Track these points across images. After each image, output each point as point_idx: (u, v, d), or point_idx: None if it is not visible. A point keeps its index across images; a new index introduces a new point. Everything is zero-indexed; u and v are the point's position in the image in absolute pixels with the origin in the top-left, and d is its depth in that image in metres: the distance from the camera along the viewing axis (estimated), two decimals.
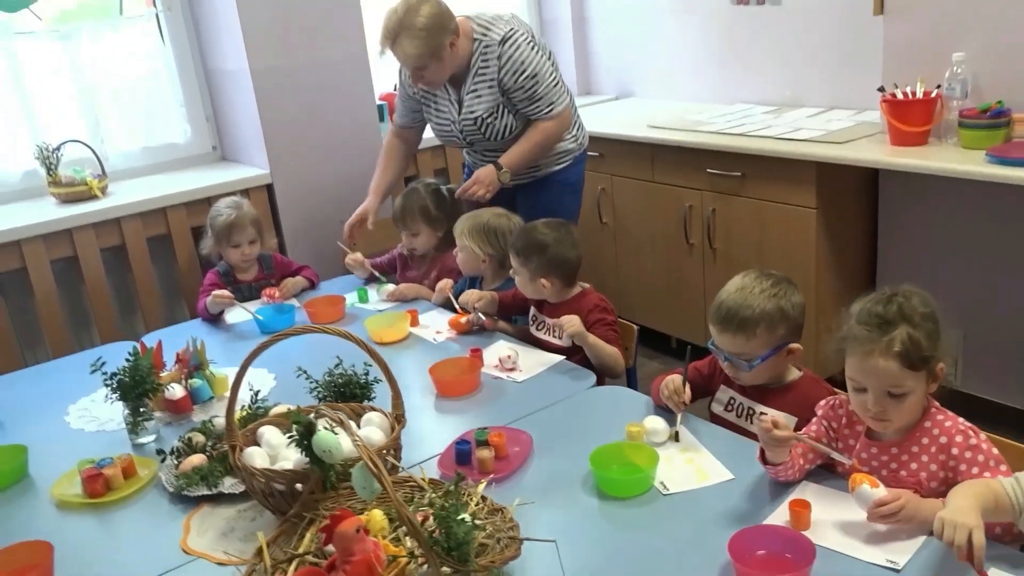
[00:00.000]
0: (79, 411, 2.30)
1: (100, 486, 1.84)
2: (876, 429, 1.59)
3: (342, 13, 3.45)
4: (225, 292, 2.81)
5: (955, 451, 1.52)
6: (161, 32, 3.51)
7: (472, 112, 2.83)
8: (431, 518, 1.31)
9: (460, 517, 1.31)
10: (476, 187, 2.80)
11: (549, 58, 2.84)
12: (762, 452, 1.61)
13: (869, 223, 3.12)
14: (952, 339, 2.96)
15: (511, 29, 2.76)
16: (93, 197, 3.22)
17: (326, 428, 1.51)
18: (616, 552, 1.53)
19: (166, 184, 3.37)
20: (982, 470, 1.48)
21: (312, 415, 1.48)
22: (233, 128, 3.61)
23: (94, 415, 2.25)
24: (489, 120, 2.82)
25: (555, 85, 2.82)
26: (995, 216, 2.79)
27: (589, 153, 3.13)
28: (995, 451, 1.52)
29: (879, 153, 2.73)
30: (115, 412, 2.13)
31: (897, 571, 1.38)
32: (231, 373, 1.81)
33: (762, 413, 1.80)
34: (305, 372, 1.96)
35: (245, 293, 2.96)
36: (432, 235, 2.99)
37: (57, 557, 1.59)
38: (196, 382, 2.22)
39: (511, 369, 2.26)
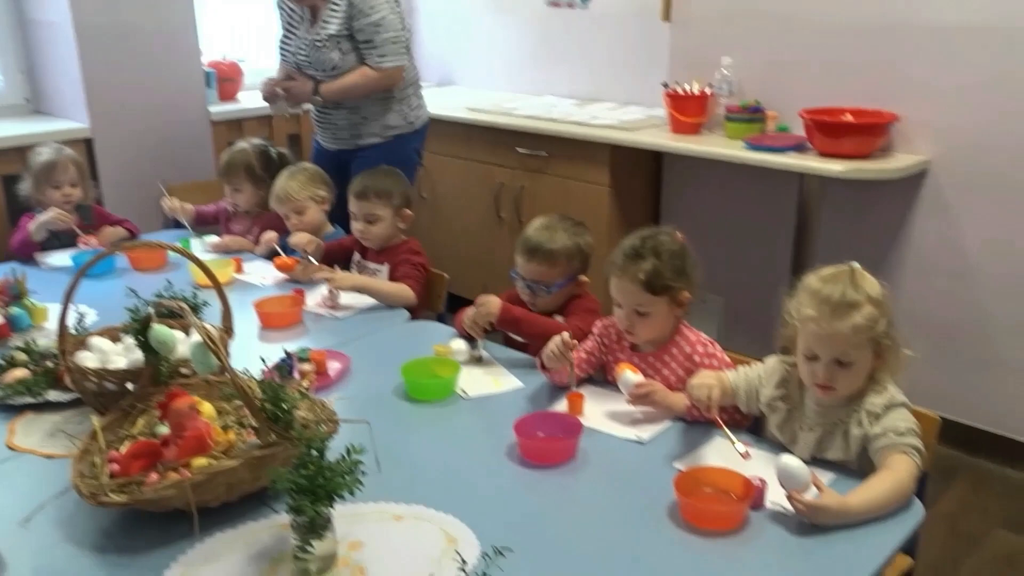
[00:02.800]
0: None
1: None
2: (630, 340, 1.94)
3: None
4: (60, 210, 2.84)
5: (696, 358, 1.89)
6: None
7: (317, 35, 3.04)
8: (256, 388, 1.49)
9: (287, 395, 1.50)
10: (291, 87, 3.10)
11: (401, 22, 3.09)
12: (541, 360, 1.91)
13: (653, 200, 3.58)
14: (716, 304, 3.46)
15: None
16: None
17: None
18: (423, 441, 1.79)
19: None
20: (716, 371, 1.86)
21: (149, 308, 1.62)
22: (51, 81, 3.56)
23: None
24: (325, 46, 3.03)
25: (394, 43, 3.05)
26: (752, 197, 3.31)
27: None
28: (727, 358, 1.91)
29: (661, 139, 3.17)
30: None
31: (642, 443, 1.72)
32: (52, 308, 1.87)
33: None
34: (135, 292, 2.06)
35: (64, 242, 2.96)
36: (255, 193, 3.12)
37: None
38: (15, 310, 2.26)
39: (333, 307, 2.45)
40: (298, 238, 2.72)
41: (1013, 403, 2.85)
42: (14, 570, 1.38)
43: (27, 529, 1.46)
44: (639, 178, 3.49)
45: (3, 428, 1.80)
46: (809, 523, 1.42)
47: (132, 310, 1.68)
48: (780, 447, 1.68)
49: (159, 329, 1.59)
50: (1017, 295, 2.77)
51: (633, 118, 3.47)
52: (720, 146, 3.00)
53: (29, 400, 1.87)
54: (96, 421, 1.60)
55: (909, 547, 1.88)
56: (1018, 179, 2.71)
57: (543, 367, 1.92)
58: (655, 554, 1.39)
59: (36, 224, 2.83)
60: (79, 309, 2.22)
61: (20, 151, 3.16)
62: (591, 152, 3.32)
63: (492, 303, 2.11)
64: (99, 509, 1.46)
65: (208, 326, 1.85)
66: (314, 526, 1.30)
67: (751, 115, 3.04)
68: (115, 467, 1.48)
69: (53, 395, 1.89)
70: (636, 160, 3.40)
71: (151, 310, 1.60)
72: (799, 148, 2.88)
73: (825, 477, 1.51)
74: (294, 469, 1.30)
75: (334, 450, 1.35)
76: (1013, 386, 2.84)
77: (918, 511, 1.49)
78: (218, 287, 1.84)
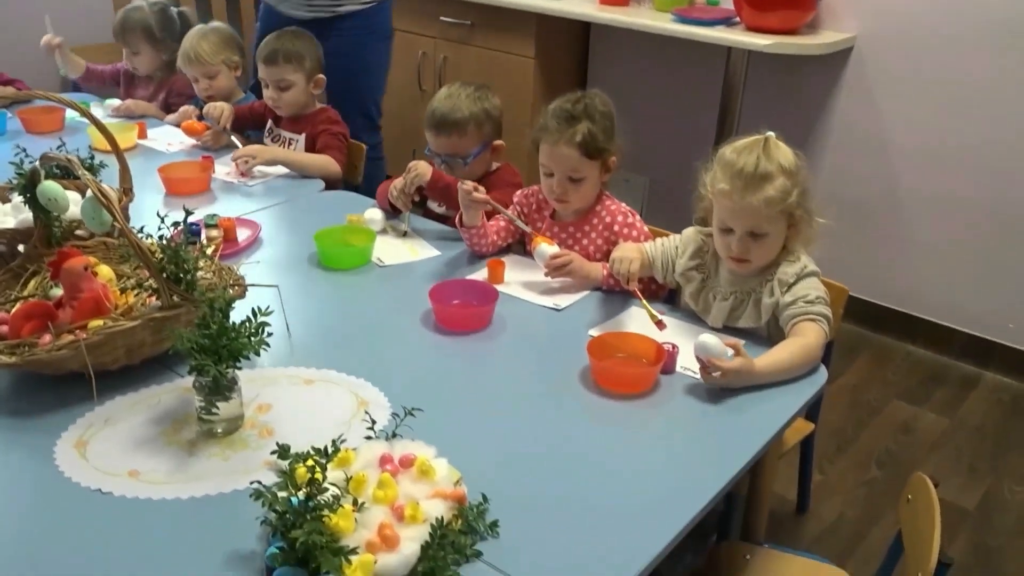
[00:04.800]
0: None
1: None
2: (558, 210, 1.91)
3: None
4: None
5: (616, 228, 1.87)
6: None
7: None
8: (160, 253, 1.41)
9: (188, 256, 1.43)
10: None
11: None
12: (460, 217, 1.87)
13: (579, 74, 3.49)
14: (640, 183, 3.45)
15: None
16: None
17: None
18: (337, 308, 1.75)
19: None
20: (636, 241, 1.85)
21: (37, 164, 1.51)
22: None
23: None
24: None
25: None
26: (679, 73, 3.26)
27: None
28: (646, 229, 1.90)
29: (588, 8, 3.06)
30: None
31: (559, 310, 1.72)
32: None
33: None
34: (24, 150, 1.92)
35: None
36: (155, 56, 2.91)
37: None
38: None
39: (244, 175, 2.35)
40: (211, 108, 2.56)
41: (919, 281, 2.96)
42: None
43: None
44: (566, 50, 3.39)
45: None
46: (718, 388, 1.44)
47: (17, 164, 1.56)
48: (694, 316, 1.70)
49: (48, 185, 1.49)
50: (932, 175, 2.83)
51: None
52: (648, 18, 2.91)
53: None
54: None
55: (812, 415, 1.97)
56: (942, 59, 2.72)
57: (462, 224, 1.88)
58: (566, 416, 1.39)
59: None
60: None
61: None
62: (517, 22, 3.19)
63: (423, 166, 2.03)
64: None
65: (104, 187, 1.75)
66: (218, 387, 1.26)
67: None
68: (4, 328, 1.40)
69: None
70: (563, 31, 3.29)
71: (37, 165, 1.48)
72: (727, 22, 2.82)
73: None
74: (196, 329, 1.25)
75: (242, 315, 1.30)
76: (920, 265, 2.94)
77: (822, 376, 1.53)
78: (114, 144, 1.73)
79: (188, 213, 1.42)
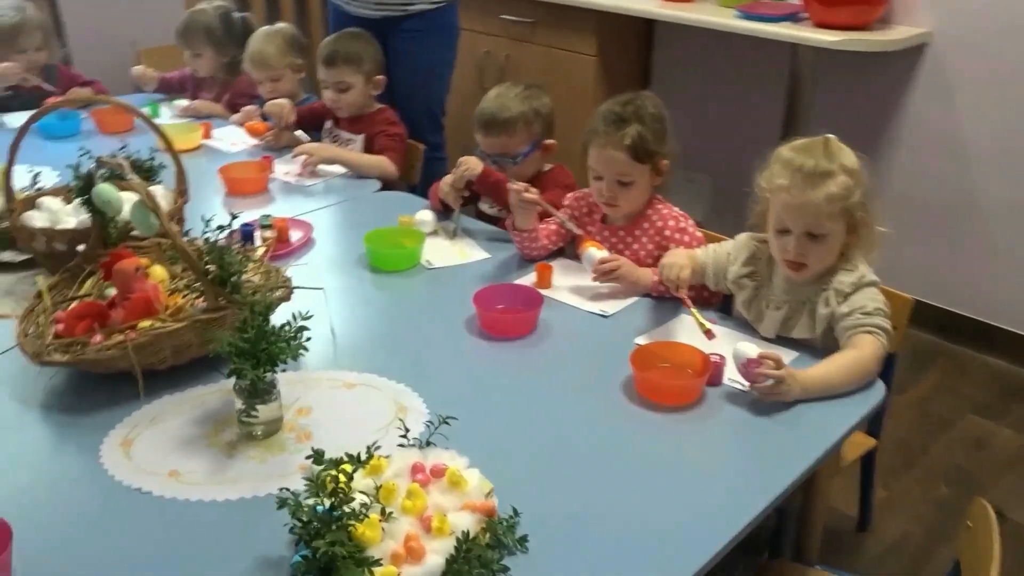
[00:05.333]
0: None
1: None
2: (608, 213, 1.87)
3: None
4: (11, 64, 2.72)
5: (667, 232, 1.83)
6: None
7: None
8: (205, 254, 1.44)
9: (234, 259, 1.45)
10: None
11: None
12: (512, 220, 1.85)
13: (642, 72, 3.42)
14: (704, 184, 3.37)
15: None
16: None
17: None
18: (383, 311, 1.75)
19: None
20: (688, 247, 1.80)
21: (92, 167, 1.55)
22: None
23: None
24: None
25: None
26: (743, 70, 3.16)
27: None
28: (699, 234, 1.85)
29: (651, 5, 3.00)
30: None
31: (606, 316, 1.68)
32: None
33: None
34: (88, 152, 1.98)
35: (28, 103, 2.84)
36: (215, 58, 2.97)
37: None
38: None
39: (301, 175, 2.38)
40: (272, 107, 2.60)
41: (996, 288, 2.81)
42: None
43: None
44: (628, 48, 3.33)
45: None
46: (766, 400, 1.39)
47: (75, 167, 1.61)
48: (746, 325, 1.65)
49: (103, 188, 1.52)
50: (1010, 177, 2.69)
51: None
52: (711, 14, 2.84)
53: None
54: (42, 281, 1.55)
55: (874, 430, 1.88)
56: (1021, 57, 2.58)
57: (513, 227, 1.86)
58: (607, 427, 1.36)
59: None
60: (36, 170, 2.14)
61: None
62: (579, 19, 3.15)
63: (473, 161, 2.03)
64: (48, 369, 1.43)
65: (160, 187, 1.80)
66: (257, 390, 1.27)
67: None
68: (59, 327, 1.44)
69: (7, 255, 1.84)
70: (625, 28, 3.23)
71: (92, 168, 1.52)
72: (793, 18, 2.73)
73: (788, 357, 1.48)
74: (236, 332, 1.27)
75: (288, 316, 1.31)
76: (997, 270, 2.80)
77: (879, 391, 1.46)
78: (171, 148, 1.77)
79: (233, 217, 1.44)
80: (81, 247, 1.67)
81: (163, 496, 1.20)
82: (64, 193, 1.83)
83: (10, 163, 1.67)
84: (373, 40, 2.55)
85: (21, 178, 2.00)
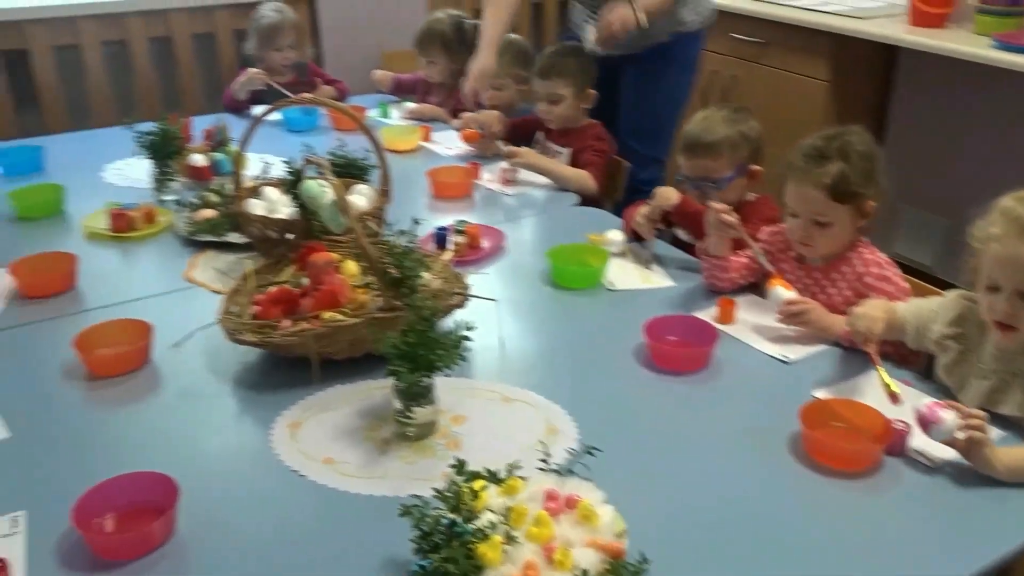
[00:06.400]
0: (115, 170, 2.55)
1: (124, 224, 2.09)
2: (802, 253, 1.75)
3: None
4: (259, 71, 3.01)
5: (868, 279, 1.68)
6: None
7: None
8: (388, 255, 1.51)
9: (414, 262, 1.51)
10: (614, 25, 2.43)
11: None
12: (705, 246, 1.79)
13: (879, 102, 3.18)
14: (937, 226, 3.08)
15: None
16: None
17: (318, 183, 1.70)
18: (555, 328, 1.75)
19: None
20: (890, 297, 1.65)
21: (302, 165, 1.67)
22: None
23: (127, 174, 2.50)
24: None
25: None
26: (997, 106, 2.85)
27: None
28: (904, 284, 1.69)
29: (894, 30, 2.78)
30: (146, 173, 2.35)
31: (787, 362, 1.58)
32: (253, 157, 2.01)
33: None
34: (309, 146, 2.14)
35: (276, 98, 3.13)
36: (448, 65, 3.10)
37: (82, 274, 1.87)
38: (218, 156, 2.43)
39: (505, 183, 2.43)
40: (484, 115, 2.68)
41: None
42: (165, 386, 1.52)
43: (178, 352, 1.60)
44: (865, 74, 3.10)
45: (185, 262, 1.97)
46: (951, 472, 1.25)
47: (288, 162, 1.75)
48: (946, 392, 1.48)
49: (309, 184, 1.64)
50: None
51: (868, 5, 3.07)
52: (963, 42, 2.58)
53: (211, 239, 2.03)
54: (249, 265, 1.69)
55: None
56: None
57: (706, 252, 1.81)
58: (764, 483, 1.28)
59: (238, 84, 3.02)
60: (270, 160, 2.35)
61: (249, 7, 3.34)
62: (812, 42, 2.99)
63: (667, 191, 1.99)
64: (242, 346, 1.57)
65: (366, 187, 1.91)
66: (411, 393, 1.31)
67: (1008, 7, 2.57)
68: (257, 309, 1.57)
69: (234, 236, 2.03)
70: (863, 53, 3.01)
71: (301, 165, 1.64)
72: None
73: (992, 434, 1.31)
74: (400, 335, 1.32)
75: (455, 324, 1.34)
76: None
77: None
78: (379, 150, 1.86)
79: (416, 223, 1.49)
80: (290, 236, 1.81)
81: (315, 481, 1.27)
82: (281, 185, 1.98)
83: (241, 151, 1.83)
84: (588, 56, 2.55)
85: (255, 166, 2.22)
